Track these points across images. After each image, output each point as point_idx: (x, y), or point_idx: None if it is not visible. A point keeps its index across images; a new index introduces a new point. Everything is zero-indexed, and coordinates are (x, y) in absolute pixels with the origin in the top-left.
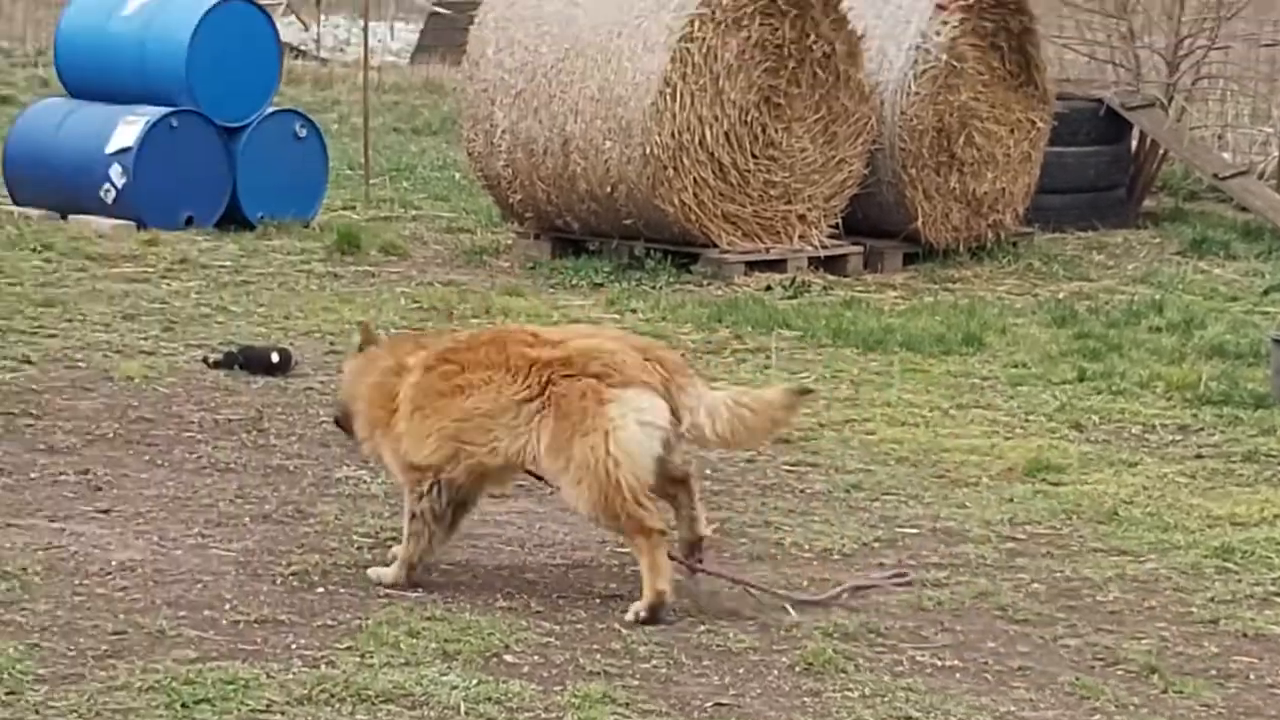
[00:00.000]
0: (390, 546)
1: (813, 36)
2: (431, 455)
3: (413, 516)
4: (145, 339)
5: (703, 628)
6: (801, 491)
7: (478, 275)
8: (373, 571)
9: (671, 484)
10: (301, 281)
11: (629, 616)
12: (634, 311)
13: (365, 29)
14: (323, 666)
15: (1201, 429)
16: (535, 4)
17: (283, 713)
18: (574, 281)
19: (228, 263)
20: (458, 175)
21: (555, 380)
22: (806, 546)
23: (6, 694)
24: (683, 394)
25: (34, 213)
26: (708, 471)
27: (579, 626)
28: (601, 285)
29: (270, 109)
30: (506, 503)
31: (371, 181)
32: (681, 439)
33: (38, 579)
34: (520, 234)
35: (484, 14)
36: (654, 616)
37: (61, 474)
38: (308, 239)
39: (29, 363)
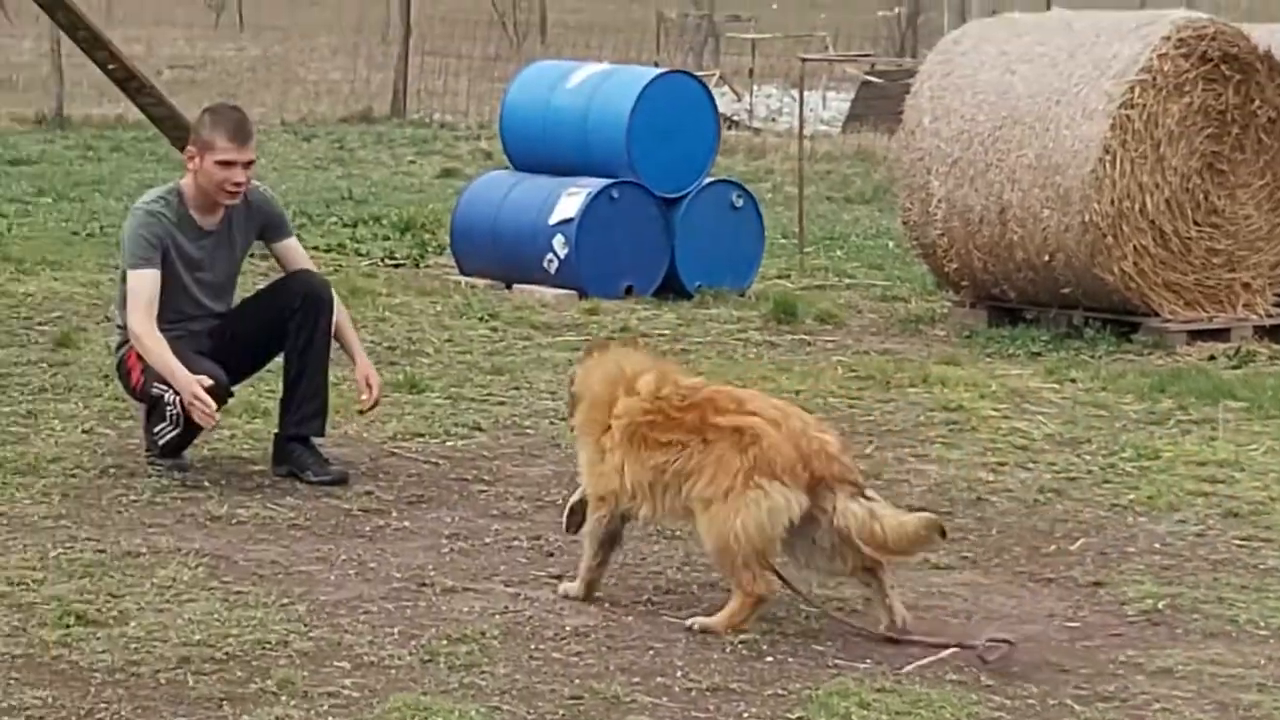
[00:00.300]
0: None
1: (1257, 102)
2: (618, 486)
3: (589, 533)
4: None
5: (1158, 706)
6: (1255, 567)
7: (913, 344)
8: (562, 587)
9: (863, 571)
10: (739, 350)
11: (694, 624)
12: (1073, 381)
13: (800, 98)
14: None
15: None
16: (971, 73)
17: None
18: (1011, 351)
19: (666, 331)
20: (891, 244)
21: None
22: (1262, 624)
23: None
24: (825, 496)
25: (480, 282)
26: (1155, 545)
27: (1030, 701)
28: (1039, 354)
29: (708, 179)
30: (951, 574)
31: (806, 250)
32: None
33: (496, 643)
34: (956, 302)
35: (920, 83)
36: (705, 634)
37: (515, 539)
38: (744, 307)
39: (480, 429)
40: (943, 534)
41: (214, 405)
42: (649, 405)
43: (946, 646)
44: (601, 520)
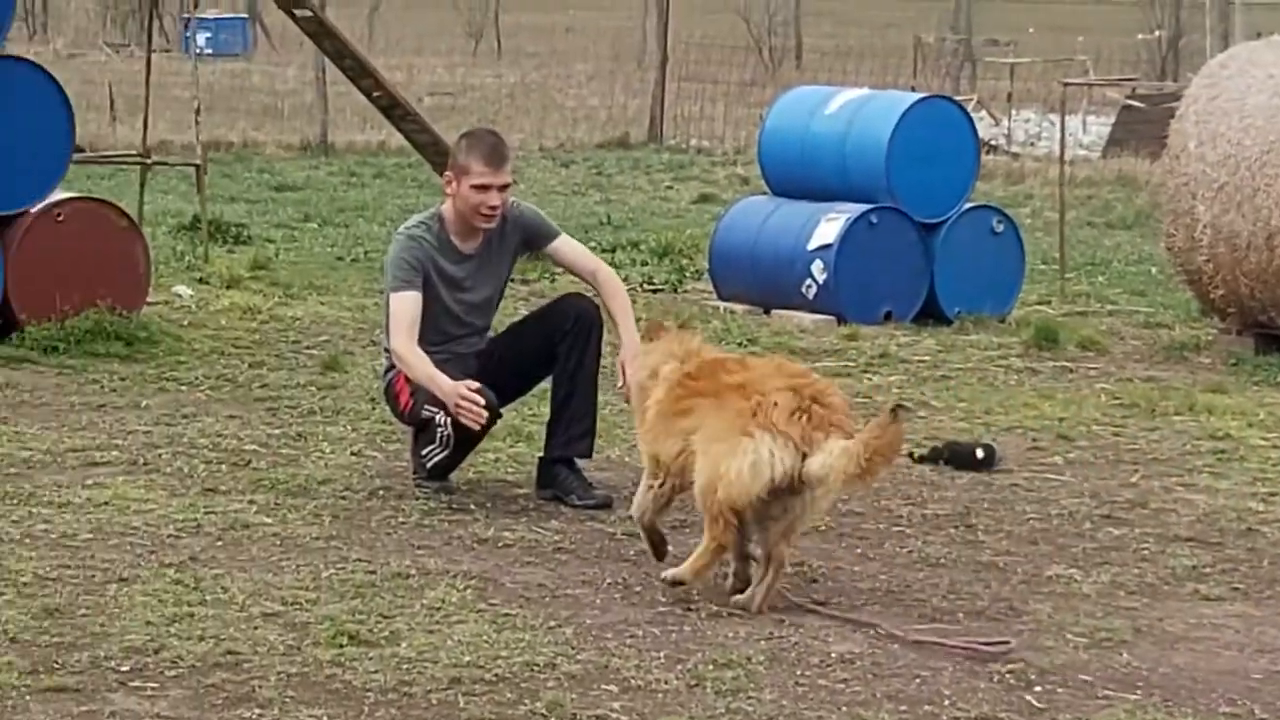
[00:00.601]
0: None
1: None
2: (666, 456)
3: (649, 488)
4: None
5: None
6: None
7: (1178, 372)
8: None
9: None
10: (999, 377)
11: (665, 574)
12: None
13: (1062, 123)
14: None
15: None
16: (1238, 97)
17: None
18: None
19: (926, 357)
20: (1154, 270)
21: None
22: None
23: None
24: (816, 446)
25: (738, 307)
26: None
27: None
28: None
29: (967, 204)
30: (1222, 605)
31: (1067, 276)
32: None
33: (762, 669)
34: (1222, 329)
35: (1185, 108)
36: (675, 584)
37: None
38: (1004, 334)
39: None
40: (902, 408)
41: (482, 402)
42: (674, 381)
43: (960, 648)
44: (655, 486)
